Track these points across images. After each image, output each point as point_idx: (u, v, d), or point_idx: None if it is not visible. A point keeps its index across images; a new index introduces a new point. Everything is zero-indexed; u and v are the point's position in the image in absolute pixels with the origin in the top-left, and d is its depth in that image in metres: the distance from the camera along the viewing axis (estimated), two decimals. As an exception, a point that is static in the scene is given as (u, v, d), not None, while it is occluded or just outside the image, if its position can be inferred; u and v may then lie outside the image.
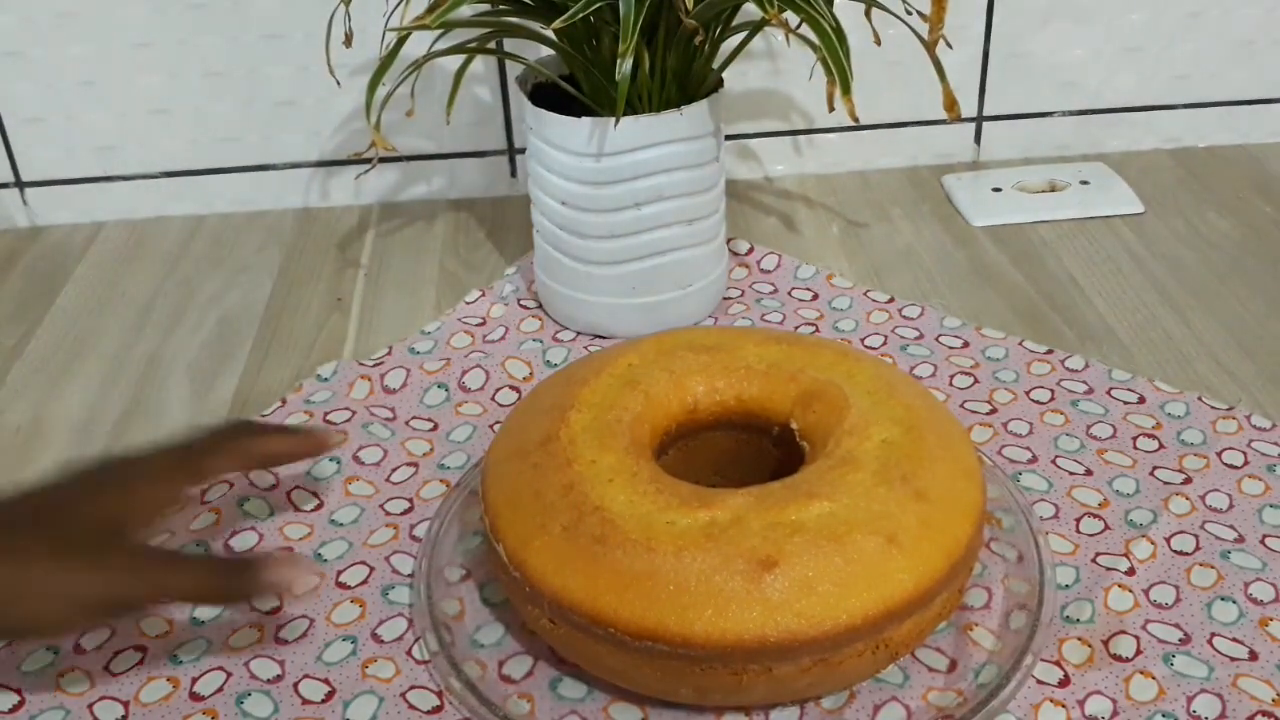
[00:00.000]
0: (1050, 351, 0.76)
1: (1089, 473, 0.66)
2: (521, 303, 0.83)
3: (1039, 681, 0.54)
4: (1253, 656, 0.55)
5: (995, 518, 0.61)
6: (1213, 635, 0.56)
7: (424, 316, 0.83)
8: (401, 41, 0.73)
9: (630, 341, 0.64)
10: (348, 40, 0.75)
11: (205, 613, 0.56)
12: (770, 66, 0.98)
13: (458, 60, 0.80)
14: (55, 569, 0.48)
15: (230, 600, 0.56)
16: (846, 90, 0.66)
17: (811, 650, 0.50)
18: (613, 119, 0.69)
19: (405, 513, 0.65)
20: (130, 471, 0.55)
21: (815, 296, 0.83)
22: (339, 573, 0.61)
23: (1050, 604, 0.55)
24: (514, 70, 0.92)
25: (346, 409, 0.73)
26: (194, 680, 0.55)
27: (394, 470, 0.68)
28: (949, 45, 0.71)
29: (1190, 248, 0.88)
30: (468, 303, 0.83)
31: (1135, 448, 0.67)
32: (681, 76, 0.74)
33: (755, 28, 0.77)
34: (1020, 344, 0.77)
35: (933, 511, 0.53)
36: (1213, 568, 0.59)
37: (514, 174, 1.00)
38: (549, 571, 0.52)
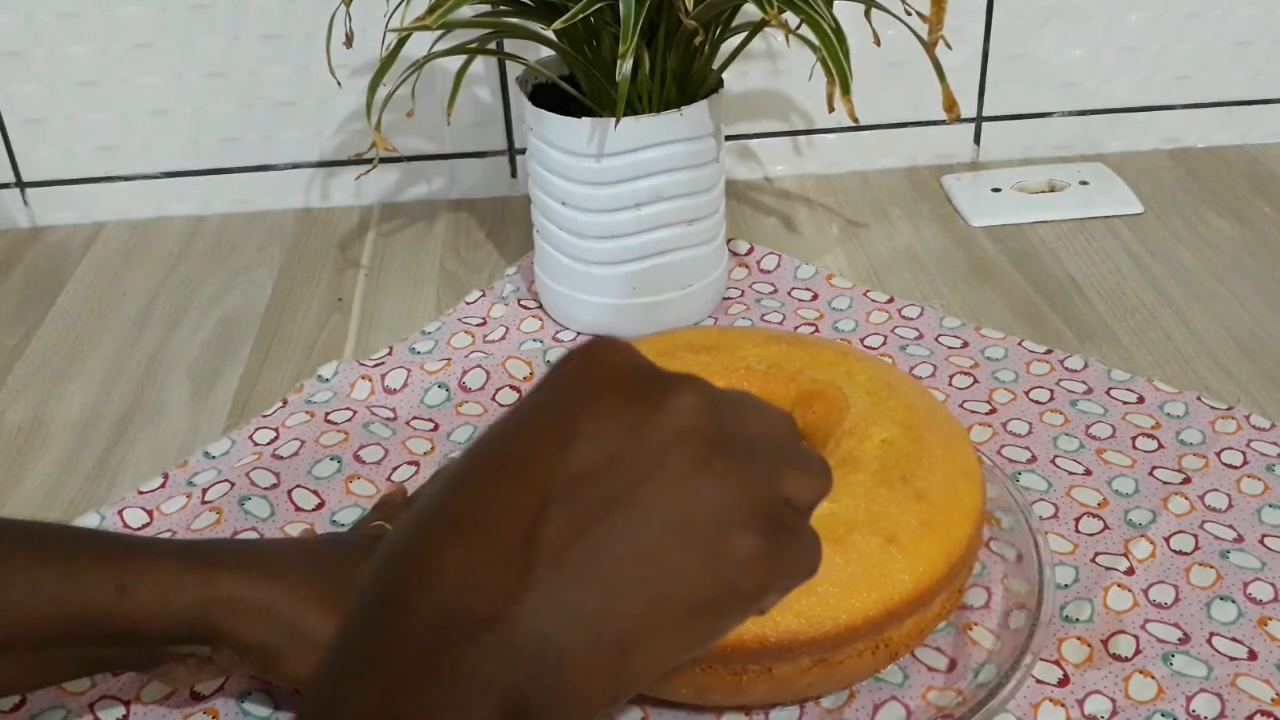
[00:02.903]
0: (1049, 351, 0.76)
1: (1088, 472, 0.66)
2: (522, 303, 0.83)
3: (1038, 681, 0.54)
4: (1252, 656, 0.55)
5: (995, 517, 0.61)
6: (1212, 635, 0.56)
7: (424, 316, 0.84)
8: (402, 42, 0.73)
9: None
10: (348, 41, 0.75)
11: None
12: (770, 67, 0.98)
13: (458, 61, 0.80)
14: None
15: None
16: (846, 91, 0.66)
17: (811, 650, 0.50)
18: (613, 119, 0.69)
19: (406, 512, 0.65)
20: None
21: (815, 296, 0.83)
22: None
23: (1049, 603, 0.55)
24: (514, 70, 0.92)
25: (347, 409, 0.73)
26: (195, 680, 0.55)
27: (395, 469, 0.68)
28: (948, 46, 0.71)
29: (1189, 248, 0.88)
30: (468, 303, 0.83)
31: (1134, 447, 0.68)
32: (681, 77, 0.74)
33: (755, 28, 0.77)
34: (1019, 344, 0.77)
35: (932, 511, 0.53)
36: (1212, 567, 0.59)
37: (514, 174, 1.00)
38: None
